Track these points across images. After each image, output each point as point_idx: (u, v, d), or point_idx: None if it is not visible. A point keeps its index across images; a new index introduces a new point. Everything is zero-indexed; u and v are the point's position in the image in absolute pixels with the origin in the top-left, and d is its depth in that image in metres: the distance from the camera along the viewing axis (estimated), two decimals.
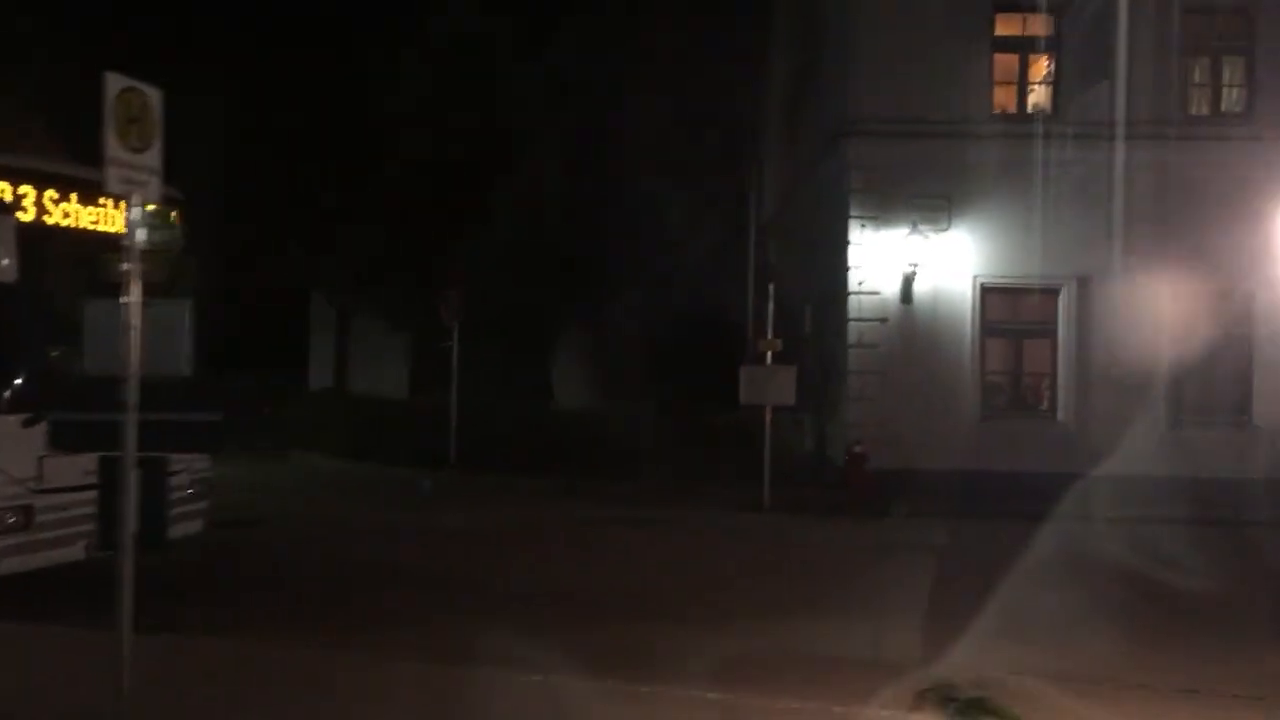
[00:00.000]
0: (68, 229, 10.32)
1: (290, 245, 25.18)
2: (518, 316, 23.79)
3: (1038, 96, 21.05)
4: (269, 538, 14.83)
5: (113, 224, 10.30)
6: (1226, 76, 20.88)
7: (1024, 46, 20.95)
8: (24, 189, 10.03)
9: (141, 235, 6.58)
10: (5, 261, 9.78)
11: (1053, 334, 20.64)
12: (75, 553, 10.04)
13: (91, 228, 10.47)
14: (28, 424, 9.49)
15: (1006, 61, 20.99)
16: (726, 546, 15.35)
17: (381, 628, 9.69)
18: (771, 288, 19.05)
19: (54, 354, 9.98)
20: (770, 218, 28.93)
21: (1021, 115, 20.84)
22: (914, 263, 20.19)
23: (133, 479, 6.56)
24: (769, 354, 18.48)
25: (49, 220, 10.20)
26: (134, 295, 6.52)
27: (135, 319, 6.52)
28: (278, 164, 24.07)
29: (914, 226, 20.11)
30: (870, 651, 9.33)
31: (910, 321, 20.52)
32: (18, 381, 9.84)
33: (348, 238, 23.72)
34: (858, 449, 19.58)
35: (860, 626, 10.16)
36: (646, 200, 21.98)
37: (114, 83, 6.35)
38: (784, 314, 20.09)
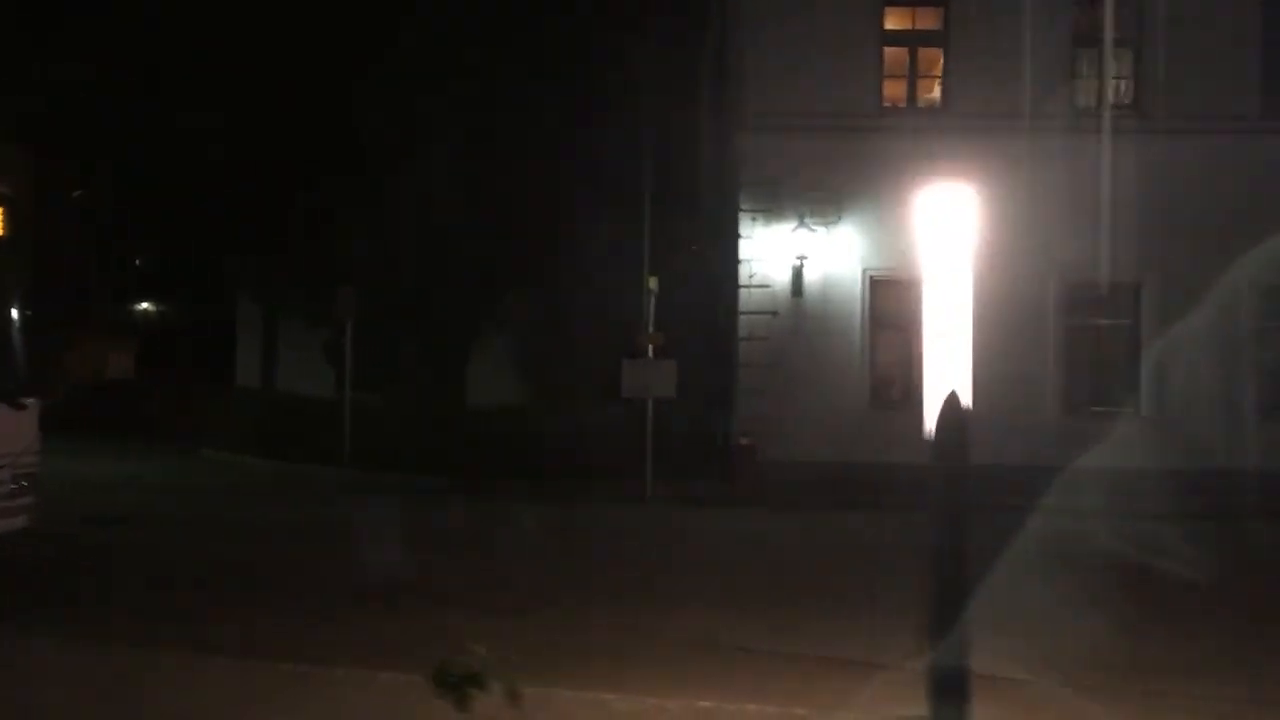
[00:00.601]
0: None
1: (195, 245, 25.23)
2: (428, 314, 23.77)
3: (927, 90, 21.16)
4: (127, 535, 14.78)
5: None
6: (1116, 69, 21.01)
7: (913, 40, 21.07)
8: None
9: None
10: None
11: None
12: None
13: None
14: None
15: (896, 55, 21.11)
16: (586, 539, 15.39)
17: (175, 624, 9.66)
18: (654, 281, 19.11)
19: None
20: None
21: (911, 109, 20.97)
22: (802, 255, 20.28)
23: None
24: (650, 348, 18.58)
25: None
26: None
27: None
28: (182, 162, 24.05)
29: (801, 220, 20.20)
30: (657, 633, 9.38)
31: (800, 314, 20.61)
32: None
33: (253, 234, 23.69)
34: (744, 441, 19.69)
35: (665, 612, 10.21)
36: (553, 199, 22.01)
37: None
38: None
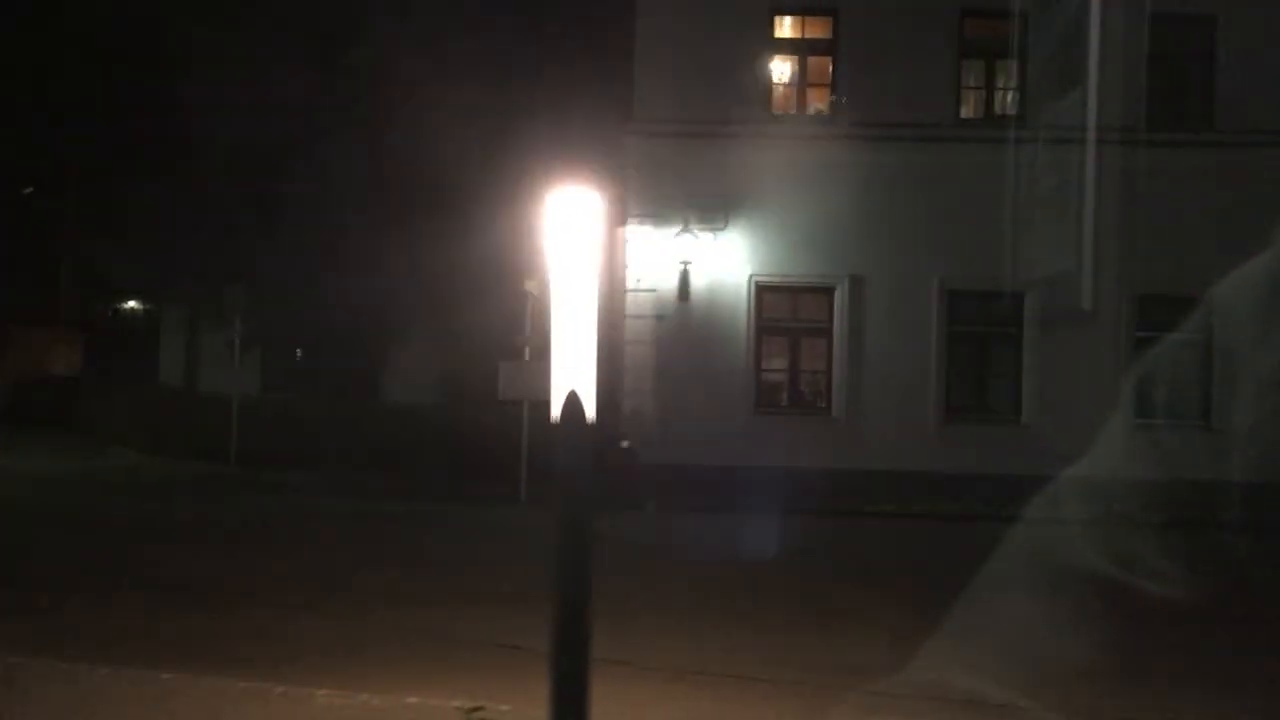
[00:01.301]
0: None
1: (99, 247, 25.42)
2: (330, 314, 23.85)
3: (816, 98, 21.34)
4: None
5: None
6: (1000, 80, 21.22)
7: (803, 49, 21.25)
8: None
9: None
10: None
11: (828, 332, 20.92)
12: None
13: None
14: None
15: (787, 63, 21.28)
16: (443, 539, 15.51)
17: None
18: (530, 284, 19.24)
19: None
20: None
21: (800, 116, 21.16)
22: (686, 260, 20.45)
23: None
24: (527, 350, 18.73)
25: None
26: None
27: None
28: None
29: (685, 225, 20.37)
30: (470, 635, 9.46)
31: (687, 319, 20.77)
32: None
33: (153, 239, 23.77)
34: (624, 443, 19.85)
35: (485, 613, 10.22)
36: (449, 197, 22.13)
37: None
38: None
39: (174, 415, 25.57)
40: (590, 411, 6.34)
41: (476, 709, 6.73)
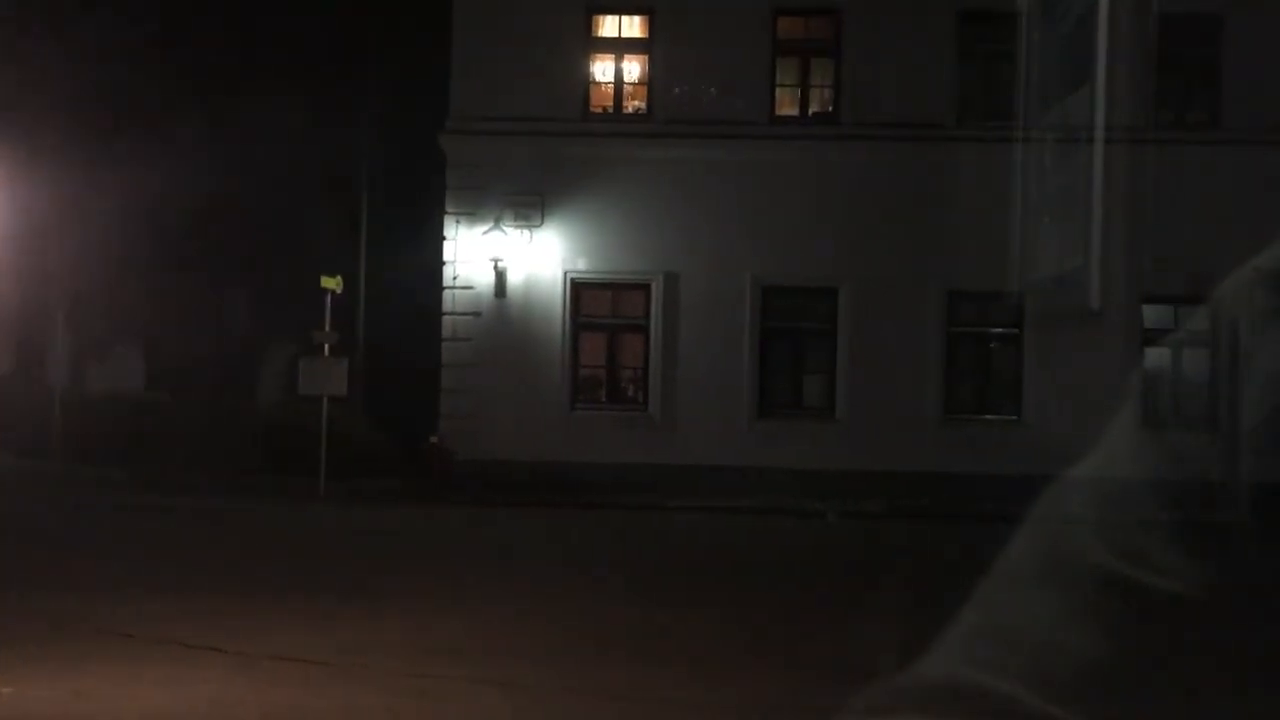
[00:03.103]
0: None
1: None
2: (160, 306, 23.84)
3: (634, 96, 21.50)
4: None
5: None
6: (816, 78, 21.42)
7: (620, 48, 21.41)
8: None
9: None
10: None
11: (644, 328, 21.09)
12: None
13: None
14: None
15: (604, 62, 21.43)
16: (216, 533, 15.55)
17: None
18: (335, 281, 19.39)
19: None
20: None
21: (617, 114, 21.33)
22: (497, 258, 20.58)
23: None
24: (326, 346, 18.86)
25: None
26: None
27: None
28: None
29: (496, 223, 20.50)
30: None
31: (504, 315, 20.92)
32: None
33: None
34: (434, 439, 20.01)
35: (147, 603, 10.20)
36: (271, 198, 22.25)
37: None
38: None
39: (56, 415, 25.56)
40: None
41: None
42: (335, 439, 19.65)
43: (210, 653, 8.07)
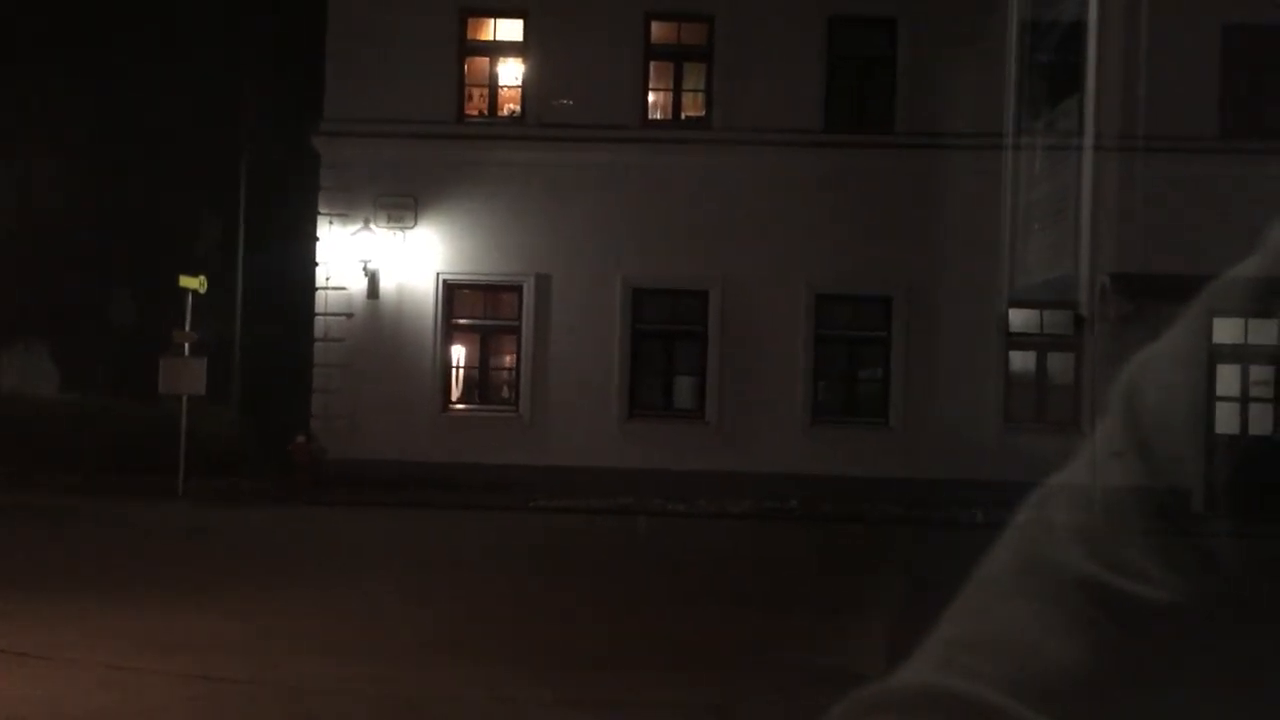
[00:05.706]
0: None
1: None
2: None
3: (507, 99, 21.62)
4: None
5: None
6: (688, 82, 21.61)
7: (494, 50, 21.53)
8: None
9: None
10: None
11: (516, 329, 21.21)
12: None
13: None
14: None
15: (478, 64, 21.55)
16: (54, 532, 15.53)
17: None
18: (198, 280, 19.39)
19: None
20: None
21: (491, 117, 21.45)
22: (367, 259, 20.66)
23: None
24: (186, 346, 18.87)
25: None
26: None
27: None
28: None
29: (365, 224, 20.58)
30: None
31: (376, 316, 21.00)
32: None
33: None
34: (300, 438, 20.04)
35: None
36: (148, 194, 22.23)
37: None
38: None
39: None
40: None
41: None
42: (204, 438, 19.66)
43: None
